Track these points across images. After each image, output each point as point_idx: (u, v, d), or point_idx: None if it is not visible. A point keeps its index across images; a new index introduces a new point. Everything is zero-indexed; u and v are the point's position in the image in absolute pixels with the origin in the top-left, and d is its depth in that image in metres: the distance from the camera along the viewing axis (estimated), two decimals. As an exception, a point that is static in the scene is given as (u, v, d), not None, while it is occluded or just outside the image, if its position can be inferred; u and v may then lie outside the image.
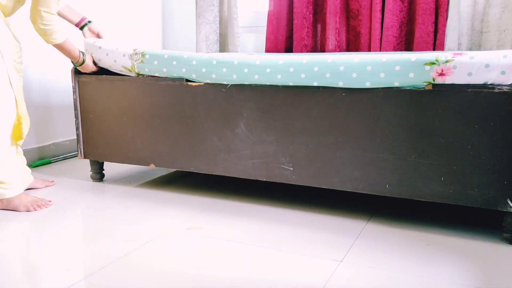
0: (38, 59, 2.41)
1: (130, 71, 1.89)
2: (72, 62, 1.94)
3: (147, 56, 1.84)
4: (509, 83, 1.31)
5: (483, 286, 1.17)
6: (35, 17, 1.70)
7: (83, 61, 1.92)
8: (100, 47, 1.95)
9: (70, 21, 2.03)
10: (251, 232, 1.52)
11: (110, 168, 2.33)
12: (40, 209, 1.74)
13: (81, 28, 2.05)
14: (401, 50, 2.46)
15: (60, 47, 1.83)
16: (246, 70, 1.65)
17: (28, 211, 1.72)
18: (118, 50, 1.91)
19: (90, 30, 2.05)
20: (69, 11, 2.00)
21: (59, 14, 1.95)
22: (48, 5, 1.69)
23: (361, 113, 1.51)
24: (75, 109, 2.04)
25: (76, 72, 2.00)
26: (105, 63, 1.95)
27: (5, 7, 1.72)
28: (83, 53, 1.93)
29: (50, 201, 1.80)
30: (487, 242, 1.43)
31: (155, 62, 1.83)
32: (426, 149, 1.43)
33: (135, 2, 3.01)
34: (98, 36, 2.07)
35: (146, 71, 1.85)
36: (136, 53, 1.86)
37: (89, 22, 2.05)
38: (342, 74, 1.50)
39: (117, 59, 1.90)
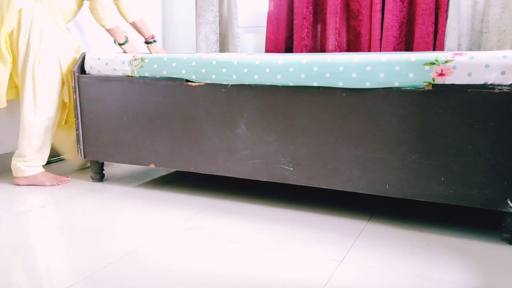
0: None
1: (131, 77, 1.90)
2: (114, 42, 2.23)
3: (146, 61, 1.85)
4: (509, 83, 1.31)
5: (483, 286, 1.17)
6: (96, 5, 2.04)
7: (126, 40, 2.22)
8: (99, 58, 1.98)
9: (142, 34, 2.35)
10: (251, 232, 1.52)
11: (110, 168, 2.33)
12: (61, 184, 2.02)
13: (147, 43, 2.38)
14: (401, 50, 2.46)
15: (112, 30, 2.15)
16: (245, 70, 1.65)
17: (52, 185, 2.00)
18: (117, 58, 1.92)
19: (155, 48, 2.37)
20: (143, 26, 2.31)
21: (133, 26, 2.25)
22: None
23: (361, 113, 1.51)
24: (75, 109, 2.04)
25: (76, 72, 2.01)
26: (105, 73, 1.96)
27: (67, 14, 2.05)
28: (126, 37, 2.22)
29: (68, 177, 2.08)
30: (487, 242, 1.43)
31: (155, 66, 1.83)
32: (426, 149, 1.43)
33: (135, 2, 3.00)
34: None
35: (146, 75, 1.86)
36: (135, 59, 1.87)
37: (155, 41, 2.36)
38: (341, 74, 1.50)
39: (116, 67, 1.92)
